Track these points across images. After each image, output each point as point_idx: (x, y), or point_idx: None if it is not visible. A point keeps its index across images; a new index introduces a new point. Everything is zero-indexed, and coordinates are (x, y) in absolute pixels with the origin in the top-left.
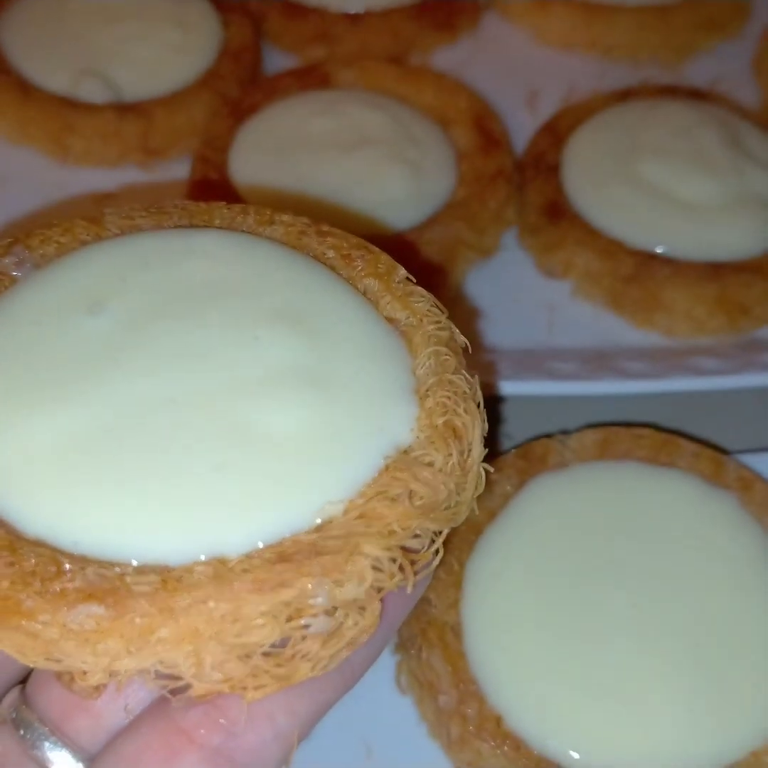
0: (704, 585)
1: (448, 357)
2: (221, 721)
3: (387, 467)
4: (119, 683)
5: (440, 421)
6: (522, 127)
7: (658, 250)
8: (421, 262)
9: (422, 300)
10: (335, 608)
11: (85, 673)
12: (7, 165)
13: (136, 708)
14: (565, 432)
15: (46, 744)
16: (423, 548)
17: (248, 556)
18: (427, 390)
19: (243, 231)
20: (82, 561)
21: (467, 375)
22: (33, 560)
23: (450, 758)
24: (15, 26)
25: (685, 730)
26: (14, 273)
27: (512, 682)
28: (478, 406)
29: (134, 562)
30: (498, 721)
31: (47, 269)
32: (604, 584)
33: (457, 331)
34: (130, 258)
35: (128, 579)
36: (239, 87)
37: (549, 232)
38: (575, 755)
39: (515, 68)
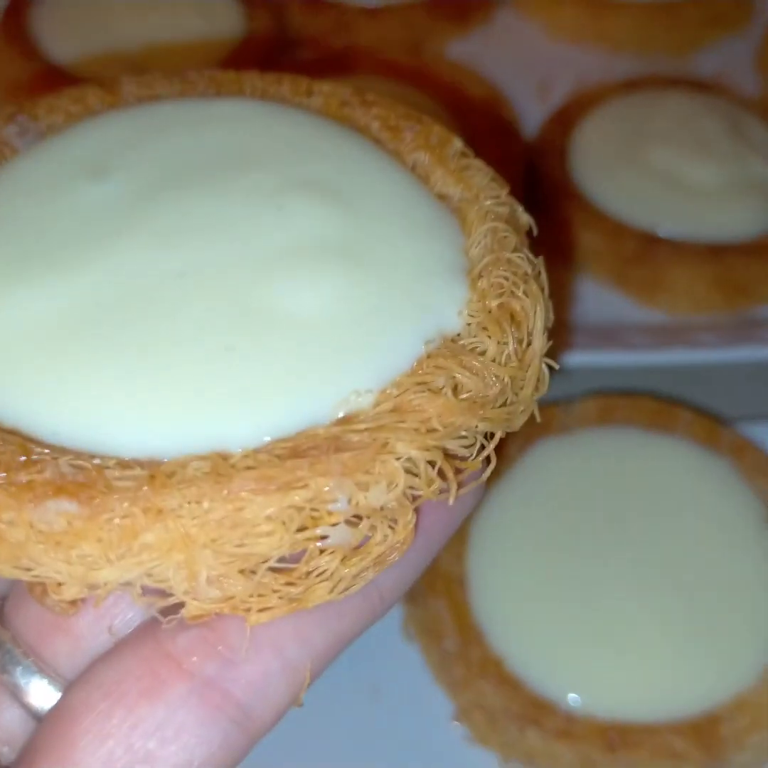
0: (697, 541)
1: (507, 235)
2: (219, 647)
3: (429, 355)
4: (99, 598)
5: (495, 303)
6: (533, 116)
7: (661, 232)
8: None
9: (480, 173)
10: (359, 517)
11: (59, 585)
12: None
13: (121, 630)
14: (569, 400)
15: (19, 669)
16: (471, 455)
17: (255, 451)
18: (481, 271)
19: (279, 101)
20: (59, 451)
21: (530, 255)
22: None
23: (454, 699)
24: (48, 15)
25: (676, 674)
26: (17, 143)
27: (513, 629)
28: (542, 291)
29: (123, 456)
30: (499, 663)
31: (50, 138)
32: (603, 540)
33: (521, 208)
34: (144, 124)
35: (108, 472)
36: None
37: (557, 215)
38: (571, 695)
39: (527, 60)
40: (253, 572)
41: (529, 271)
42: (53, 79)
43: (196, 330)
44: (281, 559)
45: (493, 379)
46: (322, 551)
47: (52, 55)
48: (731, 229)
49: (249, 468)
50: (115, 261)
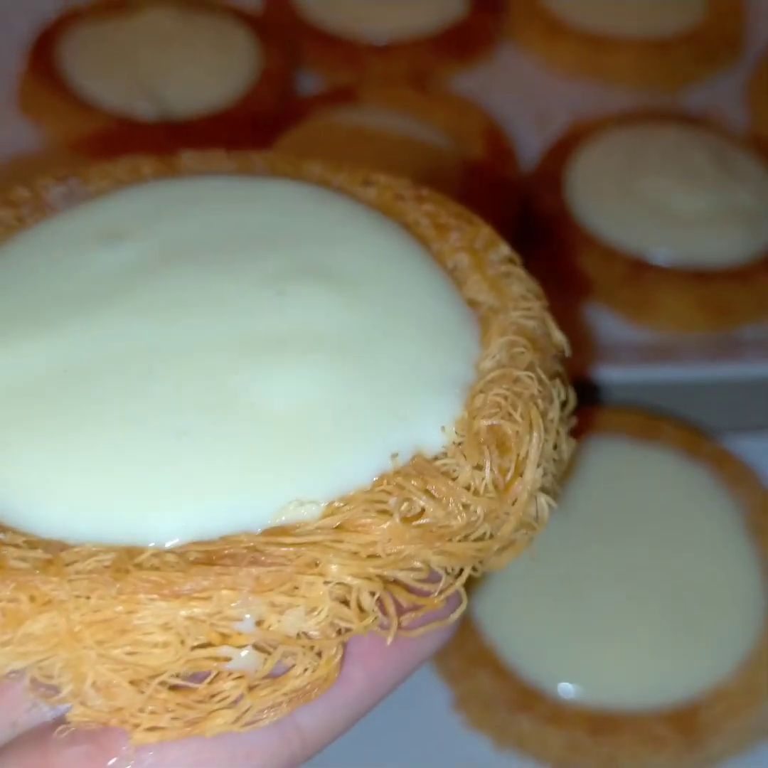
0: (679, 543)
1: (523, 351)
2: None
3: (395, 471)
4: None
5: (484, 424)
6: (531, 146)
7: (651, 257)
8: None
9: (518, 283)
10: (274, 643)
11: None
12: None
13: (25, 724)
14: None
15: None
16: (436, 591)
17: (165, 551)
18: (483, 387)
19: (331, 189)
20: None
21: (545, 377)
22: None
23: (452, 688)
24: (75, 49)
25: (659, 665)
26: (60, 204)
27: (507, 623)
28: (551, 421)
29: (39, 534)
30: (493, 655)
31: (88, 202)
32: (591, 541)
33: (553, 324)
34: (179, 197)
35: (7, 550)
36: (275, 107)
37: (554, 240)
38: (561, 684)
39: (527, 94)
40: (146, 684)
41: (537, 392)
42: (83, 113)
43: (152, 409)
44: (183, 677)
45: (459, 508)
46: (228, 675)
47: (81, 86)
48: (716, 255)
49: (154, 568)
50: (95, 330)
